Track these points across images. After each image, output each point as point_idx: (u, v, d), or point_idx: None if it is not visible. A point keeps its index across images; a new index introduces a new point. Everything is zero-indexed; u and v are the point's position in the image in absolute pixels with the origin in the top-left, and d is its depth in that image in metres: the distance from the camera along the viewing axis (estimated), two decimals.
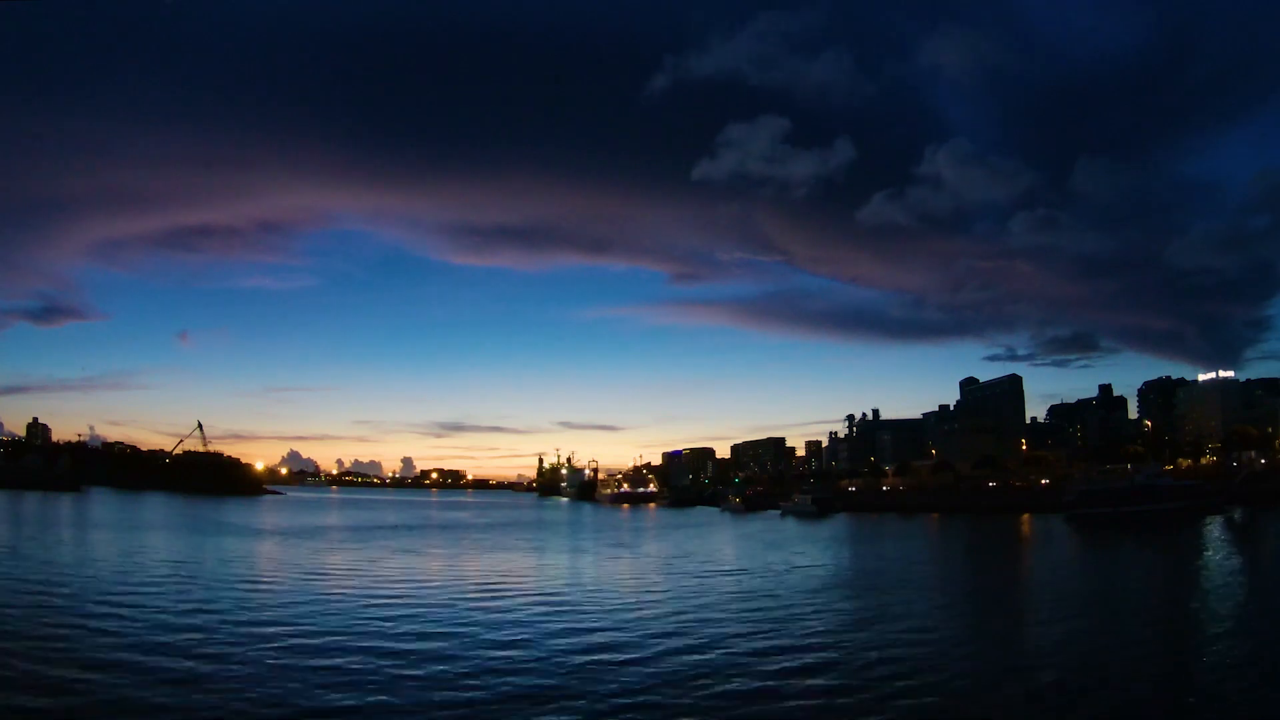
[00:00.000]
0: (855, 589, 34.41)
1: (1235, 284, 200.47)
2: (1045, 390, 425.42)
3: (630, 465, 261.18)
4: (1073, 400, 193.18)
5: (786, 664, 19.25)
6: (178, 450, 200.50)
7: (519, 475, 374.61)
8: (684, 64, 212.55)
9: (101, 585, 30.82)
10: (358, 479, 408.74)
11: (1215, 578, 35.77)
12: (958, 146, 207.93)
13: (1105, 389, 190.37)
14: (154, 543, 51.59)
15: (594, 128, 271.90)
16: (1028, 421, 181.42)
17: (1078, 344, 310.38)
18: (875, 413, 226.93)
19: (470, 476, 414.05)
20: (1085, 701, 16.27)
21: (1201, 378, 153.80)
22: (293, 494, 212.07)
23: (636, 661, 19.47)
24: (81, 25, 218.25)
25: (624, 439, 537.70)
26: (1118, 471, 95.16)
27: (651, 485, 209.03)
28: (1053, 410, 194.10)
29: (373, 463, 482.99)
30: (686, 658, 19.92)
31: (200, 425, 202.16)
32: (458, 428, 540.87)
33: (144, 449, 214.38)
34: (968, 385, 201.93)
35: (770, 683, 17.51)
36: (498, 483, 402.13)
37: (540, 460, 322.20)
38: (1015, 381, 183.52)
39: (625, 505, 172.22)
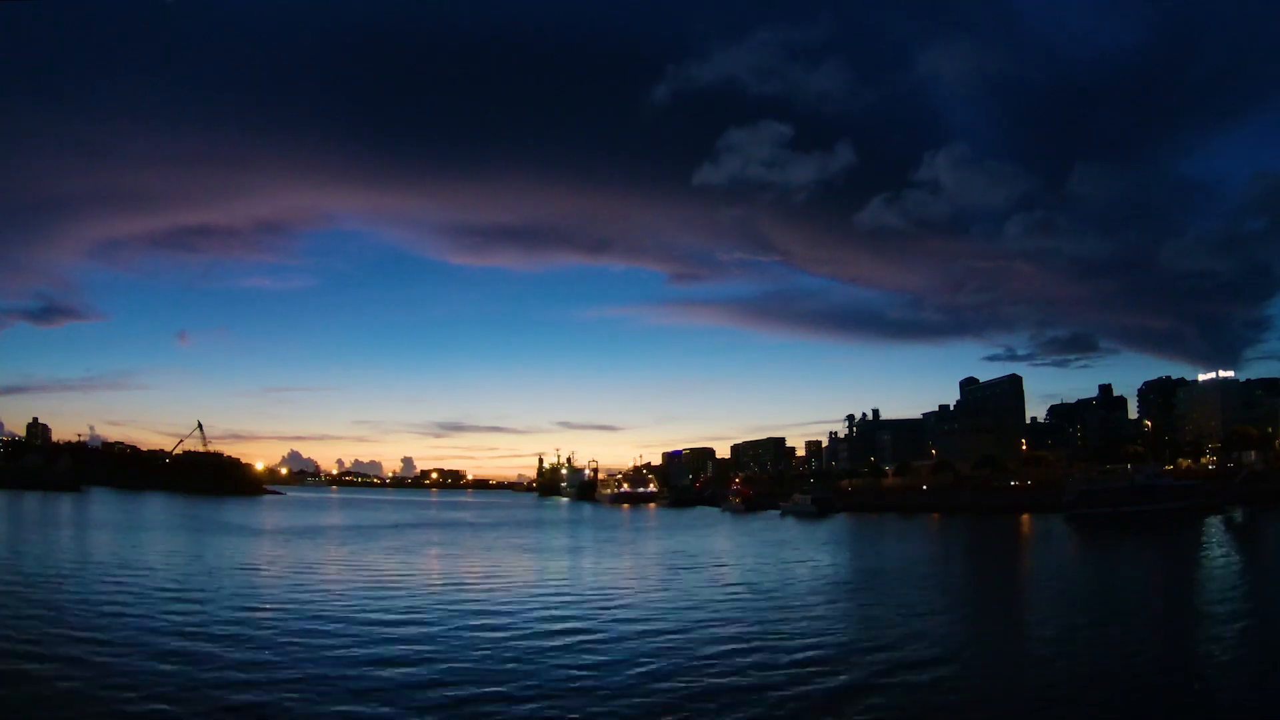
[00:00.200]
0: (855, 589, 34.42)
1: (1234, 284, 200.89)
2: (1045, 390, 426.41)
3: (630, 465, 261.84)
4: (1073, 400, 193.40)
5: (786, 663, 19.27)
6: (178, 450, 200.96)
7: (519, 475, 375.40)
8: (685, 73, 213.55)
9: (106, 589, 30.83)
10: (358, 479, 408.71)
11: (1215, 578, 35.77)
12: (956, 151, 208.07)
13: (1105, 389, 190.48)
14: (169, 543, 51.64)
15: (595, 131, 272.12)
16: (1028, 421, 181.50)
17: (1077, 344, 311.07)
18: (875, 413, 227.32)
19: (470, 476, 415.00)
20: (1085, 701, 16.28)
21: (1201, 378, 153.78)
22: (293, 494, 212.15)
23: (639, 658, 19.52)
24: (81, 25, 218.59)
25: (624, 439, 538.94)
26: (1118, 471, 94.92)
27: (651, 485, 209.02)
28: (1053, 410, 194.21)
29: (373, 463, 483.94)
30: (684, 658, 19.95)
31: (200, 425, 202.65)
32: (457, 428, 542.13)
33: (144, 449, 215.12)
34: (968, 385, 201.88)
35: (770, 682, 17.52)
36: (498, 483, 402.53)
37: (540, 460, 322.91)
38: (1015, 381, 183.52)
39: (625, 505, 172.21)
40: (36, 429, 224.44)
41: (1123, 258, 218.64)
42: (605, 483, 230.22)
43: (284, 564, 42.56)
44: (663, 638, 22.51)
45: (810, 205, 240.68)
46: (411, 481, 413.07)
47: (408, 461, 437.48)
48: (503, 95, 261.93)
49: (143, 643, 20.47)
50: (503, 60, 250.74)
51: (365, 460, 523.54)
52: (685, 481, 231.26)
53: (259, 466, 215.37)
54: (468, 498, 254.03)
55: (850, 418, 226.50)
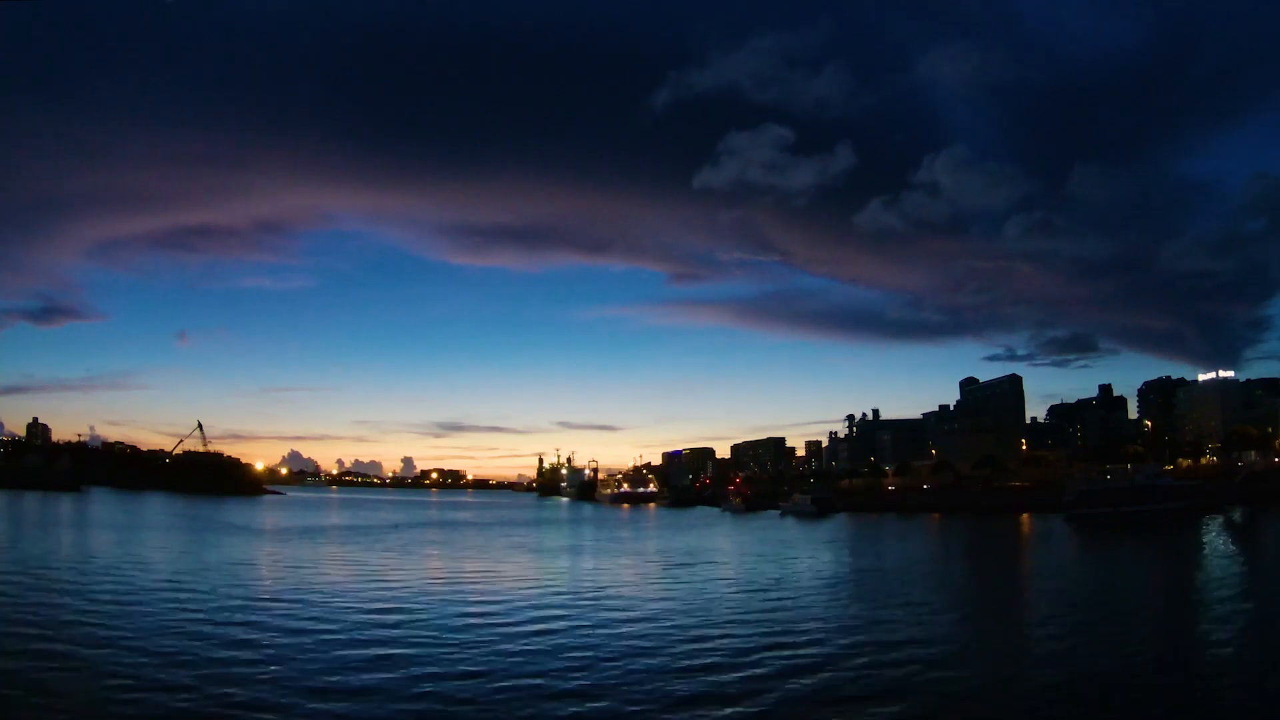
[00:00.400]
0: (854, 589, 34.43)
1: (1234, 284, 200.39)
2: (1045, 390, 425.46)
3: (630, 465, 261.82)
4: (1073, 400, 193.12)
5: (785, 663, 19.25)
6: (178, 450, 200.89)
7: (519, 475, 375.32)
8: (686, 79, 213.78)
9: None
10: (358, 479, 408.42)
11: (1215, 578, 35.75)
12: (956, 152, 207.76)
13: (1105, 389, 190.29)
14: (169, 543, 51.62)
15: (595, 132, 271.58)
16: (1028, 421, 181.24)
17: (1077, 344, 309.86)
18: (875, 413, 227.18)
19: (470, 476, 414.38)
20: (1085, 701, 16.28)
21: (1201, 378, 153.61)
22: (293, 494, 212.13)
23: (643, 655, 19.53)
24: (81, 25, 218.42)
25: (623, 439, 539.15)
26: (1118, 471, 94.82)
27: (651, 485, 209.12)
28: (1053, 410, 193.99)
29: (373, 463, 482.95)
30: (684, 658, 19.93)
31: (200, 425, 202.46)
32: (457, 428, 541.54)
33: (144, 449, 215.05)
34: (968, 385, 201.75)
35: (770, 682, 17.50)
36: (498, 483, 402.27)
37: (540, 460, 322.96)
38: (1015, 381, 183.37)
39: (625, 505, 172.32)
40: (36, 429, 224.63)
41: (1122, 258, 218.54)
42: (605, 483, 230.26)
43: (283, 564, 42.58)
44: (662, 638, 22.48)
45: (810, 207, 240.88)
46: (411, 481, 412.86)
47: (408, 461, 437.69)
48: (503, 95, 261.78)
49: (143, 642, 20.45)
50: (503, 61, 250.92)
51: (365, 460, 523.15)
52: (685, 481, 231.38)
53: (259, 466, 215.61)
54: (468, 498, 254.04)
55: (850, 418, 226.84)
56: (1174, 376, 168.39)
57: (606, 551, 55.75)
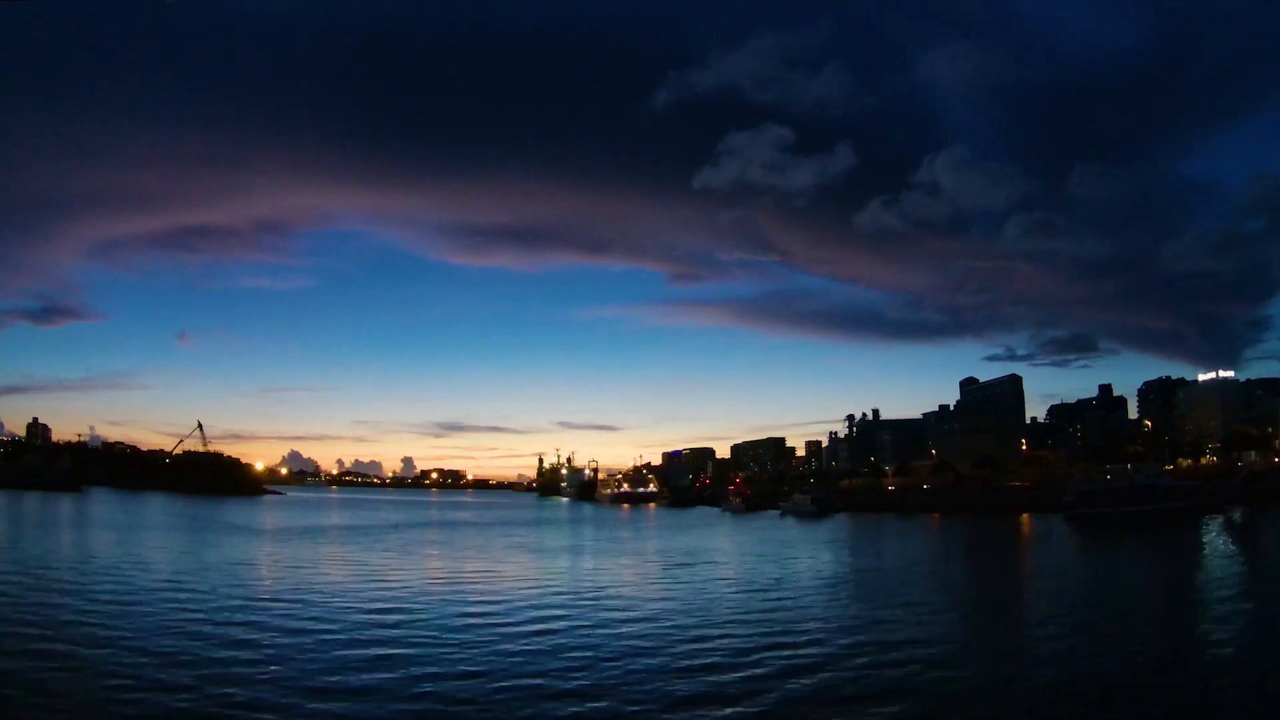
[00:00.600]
0: (854, 589, 34.43)
1: (1234, 284, 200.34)
2: (1045, 390, 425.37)
3: (630, 465, 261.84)
4: (1073, 400, 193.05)
5: (785, 662, 19.25)
6: (178, 450, 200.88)
7: (519, 475, 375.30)
8: (686, 80, 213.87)
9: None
10: (358, 479, 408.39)
11: (1215, 578, 35.75)
12: (956, 152, 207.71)
13: (1105, 389, 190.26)
14: (169, 543, 51.61)
15: (595, 132, 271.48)
16: (1028, 421, 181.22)
17: (1077, 344, 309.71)
18: (875, 413, 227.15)
19: (470, 476, 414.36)
20: (1085, 701, 16.28)
21: (1201, 378, 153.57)
22: (293, 494, 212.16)
23: (643, 654, 19.54)
24: (81, 25, 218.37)
25: (623, 439, 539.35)
26: (1118, 471, 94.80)
27: (651, 485, 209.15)
28: (1053, 410, 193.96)
29: (373, 463, 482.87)
30: (684, 658, 19.93)
31: (200, 425, 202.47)
32: (457, 428, 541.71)
33: (144, 449, 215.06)
34: (968, 385, 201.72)
35: (769, 682, 17.50)
36: (498, 483, 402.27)
37: (540, 460, 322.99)
38: (1015, 381, 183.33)
39: (625, 505, 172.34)
40: (36, 429, 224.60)
41: (1123, 258, 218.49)
42: (605, 483, 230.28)
43: (283, 564, 42.58)
44: (662, 638, 22.48)
45: (810, 207, 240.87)
46: (411, 481, 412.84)
47: (408, 461, 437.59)
48: (503, 95, 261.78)
49: (143, 642, 20.45)
50: (503, 61, 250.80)
51: (365, 460, 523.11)
52: (685, 481, 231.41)
53: (259, 466, 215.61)
54: (468, 498, 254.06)
55: (850, 418, 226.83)
56: (1174, 376, 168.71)
57: (606, 551, 55.75)
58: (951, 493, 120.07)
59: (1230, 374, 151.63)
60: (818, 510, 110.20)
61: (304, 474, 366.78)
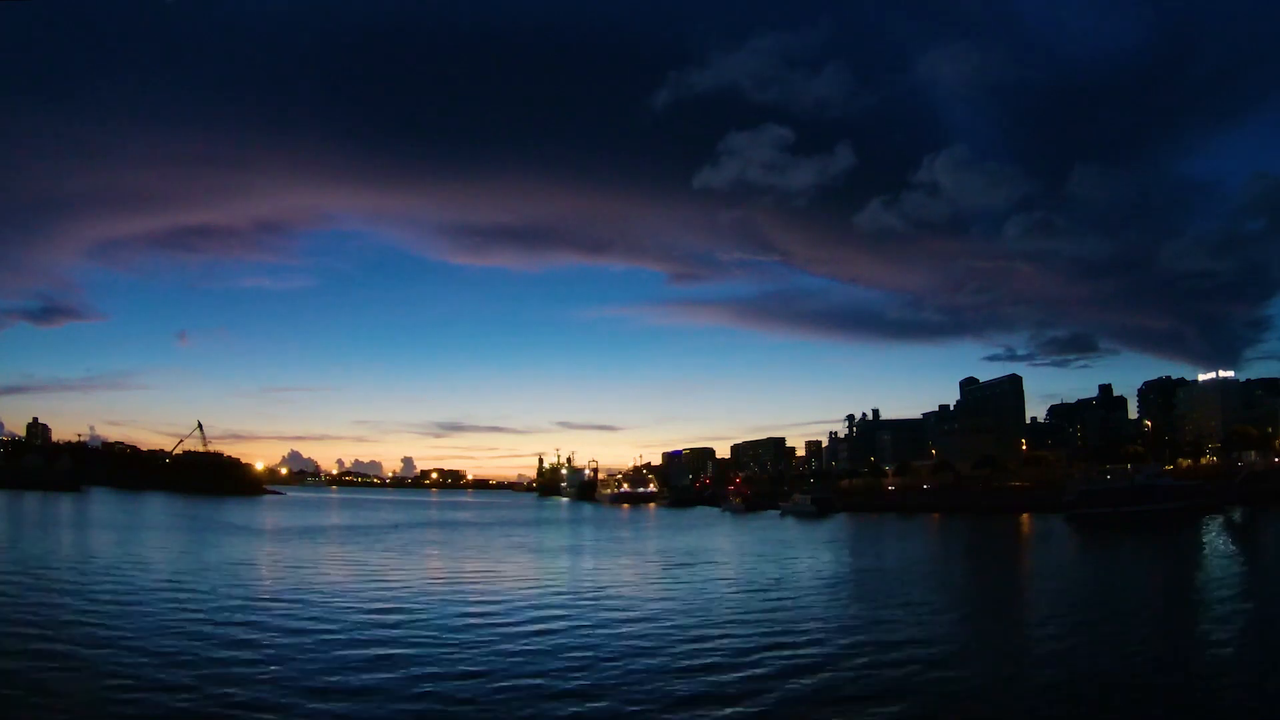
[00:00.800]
0: (854, 589, 34.42)
1: (1234, 284, 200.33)
2: (1045, 390, 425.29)
3: (630, 465, 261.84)
4: (1073, 400, 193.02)
5: (785, 662, 19.25)
6: (178, 450, 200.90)
7: (519, 475, 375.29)
8: (686, 80, 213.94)
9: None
10: (358, 479, 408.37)
11: (1215, 578, 35.75)
12: (956, 153, 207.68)
13: (1105, 389, 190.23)
14: (169, 543, 51.58)
15: (595, 132, 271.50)
16: (1028, 421, 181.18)
17: (1077, 344, 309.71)
18: (875, 413, 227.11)
19: (470, 476, 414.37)
20: (1085, 701, 16.28)
21: (1201, 378, 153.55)
22: (293, 494, 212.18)
23: (643, 654, 19.54)
24: (81, 25, 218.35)
25: (623, 439, 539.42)
26: (1118, 471, 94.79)
27: (651, 485, 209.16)
28: (1053, 410, 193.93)
29: (373, 463, 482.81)
30: (683, 658, 19.93)
31: (200, 425, 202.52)
32: (457, 428, 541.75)
33: (144, 449, 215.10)
34: (968, 385, 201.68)
35: (769, 682, 17.50)
36: (498, 483, 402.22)
37: (540, 460, 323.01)
38: (1015, 381, 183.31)
39: (625, 505, 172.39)
40: (36, 429, 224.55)
41: (1122, 258, 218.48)
42: (605, 483, 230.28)
43: (283, 564, 42.58)
44: (662, 638, 22.48)
45: (810, 207, 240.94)
46: (411, 481, 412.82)
47: (408, 461, 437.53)
48: (503, 95, 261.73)
49: (143, 642, 20.44)
50: (503, 61, 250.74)
51: (365, 460, 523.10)
52: (685, 481, 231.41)
53: (259, 466, 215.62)
54: (468, 498, 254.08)
55: (850, 418, 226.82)
56: (1174, 376, 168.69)
57: (606, 551, 55.75)
58: (951, 493, 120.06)
59: (1230, 374, 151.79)
60: (818, 510, 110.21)
61: (304, 474, 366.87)
